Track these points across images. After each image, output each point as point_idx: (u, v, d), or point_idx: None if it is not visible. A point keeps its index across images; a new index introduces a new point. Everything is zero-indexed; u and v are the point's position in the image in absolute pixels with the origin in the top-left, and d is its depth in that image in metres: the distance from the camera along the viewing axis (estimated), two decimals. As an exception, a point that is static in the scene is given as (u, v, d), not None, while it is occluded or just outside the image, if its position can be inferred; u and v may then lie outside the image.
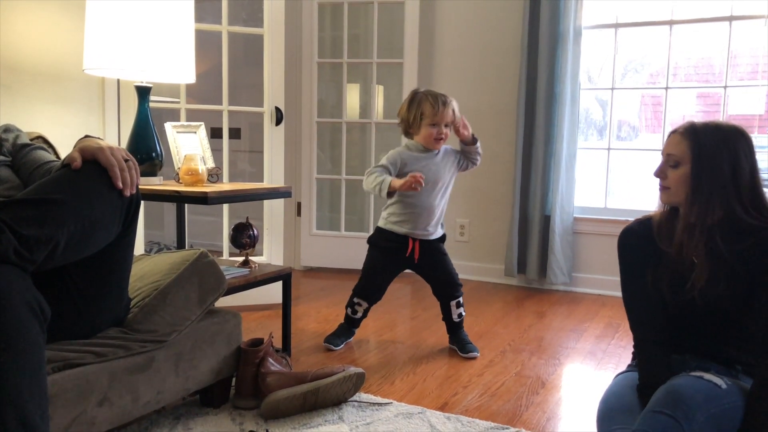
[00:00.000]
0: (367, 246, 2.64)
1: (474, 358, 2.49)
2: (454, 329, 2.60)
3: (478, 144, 2.57)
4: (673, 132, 1.55)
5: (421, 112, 2.44)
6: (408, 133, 2.52)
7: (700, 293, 1.49)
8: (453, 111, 2.45)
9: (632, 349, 1.68)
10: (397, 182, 2.33)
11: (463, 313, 2.60)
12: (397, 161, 2.45)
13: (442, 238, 2.61)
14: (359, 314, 2.62)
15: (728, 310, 1.50)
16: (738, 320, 1.50)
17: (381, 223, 2.58)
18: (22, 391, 1.15)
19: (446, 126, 2.45)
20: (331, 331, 2.65)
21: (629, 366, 1.71)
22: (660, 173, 1.56)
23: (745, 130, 1.50)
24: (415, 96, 2.48)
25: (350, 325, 2.65)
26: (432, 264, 2.57)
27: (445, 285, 2.58)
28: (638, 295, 1.60)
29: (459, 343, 2.55)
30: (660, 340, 1.56)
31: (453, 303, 2.57)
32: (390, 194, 2.41)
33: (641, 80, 4.18)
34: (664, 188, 1.56)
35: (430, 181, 2.46)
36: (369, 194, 4.05)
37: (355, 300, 2.61)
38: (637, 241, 1.60)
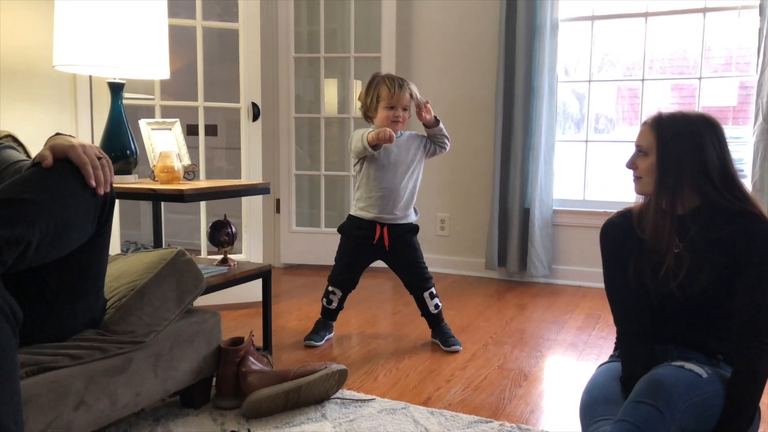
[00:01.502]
0: (341, 236, 2.64)
1: (456, 351, 2.49)
2: (435, 322, 2.59)
3: (441, 125, 2.57)
4: (643, 123, 1.58)
5: (377, 95, 2.46)
6: (367, 117, 2.53)
7: (679, 286, 1.50)
8: (410, 94, 2.46)
9: (614, 340, 1.69)
10: (372, 134, 2.33)
11: (440, 304, 2.59)
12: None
13: (415, 229, 2.59)
14: (334, 304, 2.60)
15: (709, 301, 1.51)
16: (719, 310, 1.51)
17: (351, 210, 2.59)
18: None
19: (404, 109, 2.46)
20: (311, 330, 2.63)
21: (611, 356, 1.72)
22: (631, 164, 1.59)
23: (714, 118, 1.51)
24: (373, 80, 2.50)
25: (327, 317, 2.63)
26: (402, 255, 2.56)
27: (414, 277, 2.57)
28: (621, 287, 1.60)
29: (441, 337, 2.55)
30: (643, 331, 1.57)
31: (426, 294, 2.56)
32: (374, 147, 2.37)
33: (617, 73, 4.21)
34: (636, 178, 1.58)
35: (392, 163, 2.47)
36: (347, 185, 4.03)
37: (330, 289, 2.60)
38: (619, 233, 1.61)
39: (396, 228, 2.52)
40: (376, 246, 2.52)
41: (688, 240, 1.51)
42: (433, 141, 2.59)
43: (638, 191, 1.58)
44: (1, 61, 2.33)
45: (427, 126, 2.56)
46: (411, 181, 2.54)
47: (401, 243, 2.54)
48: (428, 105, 2.52)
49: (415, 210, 2.60)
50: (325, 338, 2.60)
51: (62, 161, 1.35)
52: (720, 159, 1.48)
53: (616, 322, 1.62)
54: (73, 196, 1.34)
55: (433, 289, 2.58)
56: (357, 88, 4.14)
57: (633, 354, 1.56)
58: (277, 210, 4.09)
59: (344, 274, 2.59)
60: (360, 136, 2.40)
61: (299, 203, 4.21)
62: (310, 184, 4.33)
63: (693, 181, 1.48)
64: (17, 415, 1.16)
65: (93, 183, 1.36)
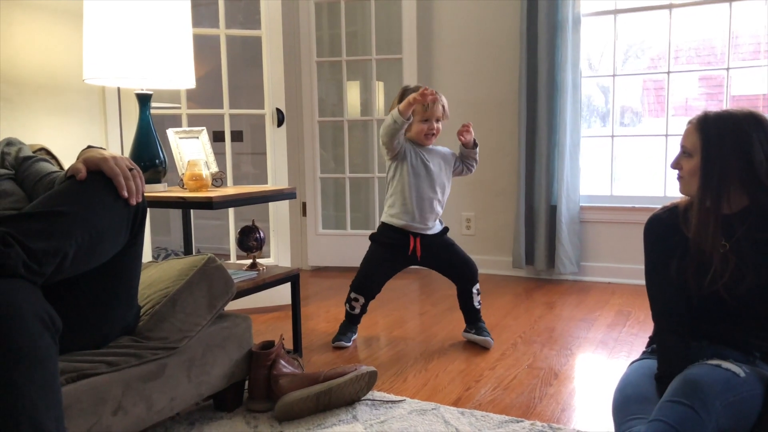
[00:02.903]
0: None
1: (489, 346, 2.50)
2: (475, 318, 2.60)
3: (477, 150, 2.61)
4: (688, 123, 1.55)
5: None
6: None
7: (724, 287, 1.48)
8: (443, 106, 2.49)
9: (645, 337, 1.67)
10: (403, 104, 2.34)
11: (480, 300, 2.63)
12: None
13: (445, 230, 2.62)
14: (357, 310, 2.61)
15: (753, 301, 1.48)
16: (761, 310, 1.49)
17: (383, 217, 2.60)
18: (38, 404, 1.15)
19: (437, 121, 2.48)
20: (336, 332, 2.65)
21: (644, 353, 1.70)
22: (675, 164, 1.57)
23: (763, 116, 1.47)
24: (405, 93, 2.49)
25: (350, 321, 2.65)
26: (442, 257, 2.58)
27: (463, 271, 2.58)
28: (662, 283, 1.58)
29: (477, 330, 2.57)
30: (681, 328, 1.54)
31: (474, 289, 2.58)
32: (406, 120, 2.37)
33: (642, 65, 4.16)
34: (680, 178, 1.56)
35: (428, 173, 2.51)
36: (372, 186, 4.05)
37: (352, 296, 2.61)
38: (664, 229, 1.59)
39: (426, 238, 2.54)
40: (410, 256, 2.54)
41: (734, 241, 1.48)
42: (463, 161, 2.63)
43: (682, 191, 1.57)
44: (34, 77, 2.40)
45: (464, 146, 2.58)
46: (443, 195, 2.57)
47: (435, 245, 2.56)
48: (470, 127, 2.54)
49: (440, 221, 2.62)
50: (352, 338, 2.62)
51: (96, 173, 1.39)
52: None
53: (654, 317, 1.60)
54: (107, 207, 1.38)
55: (478, 284, 2.61)
56: (380, 89, 4.17)
57: (669, 351, 1.53)
58: (304, 213, 4.12)
59: (369, 281, 2.60)
60: (388, 119, 2.40)
61: (325, 206, 4.24)
62: (335, 187, 4.37)
63: (740, 182, 1.46)
64: (59, 421, 1.20)
65: (125, 194, 1.39)
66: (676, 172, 1.59)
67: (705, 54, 4.08)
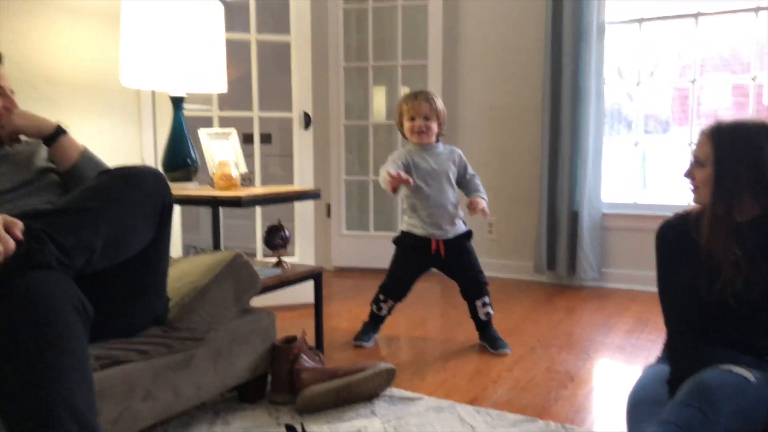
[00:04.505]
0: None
1: (504, 354, 2.52)
2: (483, 327, 2.63)
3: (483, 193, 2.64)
4: (701, 133, 1.56)
5: (400, 110, 2.58)
6: (402, 134, 2.64)
7: (735, 294, 1.49)
8: (430, 103, 2.51)
9: (662, 343, 1.70)
10: (384, 184, 2.43)
11: (491, 312, 2.61)
12: (403, 157, 2.54)
13: (468, 235, 2.63)
14: (384, 311, 2.66)
15: (765, 307, 1.49)
16: None
17: (403, 226, 2.66)
18: (72, 388, 1.21)
19: (426, 118, 2.51)
20: (359, 331, 2.70)
21: (659, 358, 1.71)
22: (688, 174, 1.59)
23: None
24: (400, 106, 2.60)
25: (374, 322, 2.69)
26: (458, 262, 2.60)
27: (470, 284, 2.61)
28: (673, 289, 1.60)
29: (489, 341, 2.58)
30: (692, 333, 1.56)
31: (478, 302, 2.59)
32: (395, 190, 2.43)
33: (670, 74, 4.15)
34: (693, 188, 1.58)
35: (435, 177, 2.54)
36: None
37: (381, 297, 2.65)
38: (676, 235, 1.60)
39: (450, 241, 2.57)
40: (434, 256, 2.57)
41: (746, 249, 1.50)
42: (462, 183, 2.64)
43: (695, 201, 1.58)
44: (73, 77, 2.51)
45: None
46: (454, 195, 2.58)
47: (457, 248, 2.59)
48: (477, 207, 2.51)
49: (463, 221, 2.63)
50: (373, 338, 2.68)
51: (122, 173, 1.47)
52: None
53: (666, 322, 1.63)
54: (133, 203, 1.46)
55: (486, 298, 2.59)
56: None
57: (681, 355, 1.56)
58: (328, 214, 4.20)
59: (398, 285, 2.65)
60: (381, 178, 2.48)
61: (349, 207, 4.31)
62: (359, 189, 4.43)
63: (752, 192, 1.47)
64: (92, 405, 1.26)
65: None
66: (689, 181, 1.61)
67: (732, 63, 4.06)
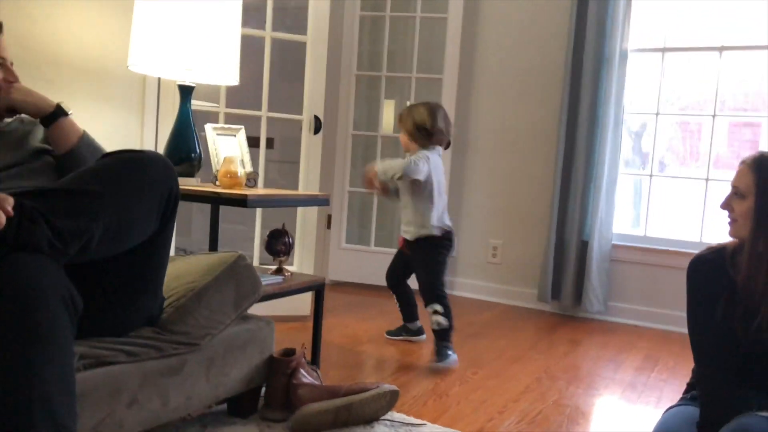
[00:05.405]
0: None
1: (447, 370, 2.49)
2: (434, 336, 2.59)
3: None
4: (741, 163, 1.48)
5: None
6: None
7: None
8: (400, 118, 2.69)
9: (676, 384, 1.59)
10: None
11: (443, 323, 2.55)
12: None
13: (431, 240, 2.63)
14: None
15: None
16: None
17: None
18: (51, 384, 1.09)
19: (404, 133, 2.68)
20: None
21: (682, 399, 1.62)
22: (726, 205, 1.49)
23: None
24: (428, 119, 2.68)
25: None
26: (415, 263, 2.73)
27: (421, 288, 2.64)
28: (705, 326, 1.49)
29: (437, 350, 2.55)
30: (726, 375, 1.45)
31: (428, 309, 2.59)
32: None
33: (681, 107, 4.08)
34: (731, 221, 1.48)
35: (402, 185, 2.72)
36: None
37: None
38: (710, 270, 1.50)
39: (410, 242, 2.70)
40: (406, 253, 2.76)
41: None
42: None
43: (732, 234, 1.49)
44: (77, 60, 2.39)
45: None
46: (418, 198, 2.63)
47: (414, 253, 2.70)
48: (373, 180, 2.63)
49: (443, 228, 2.64)
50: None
51: (128, 157, 1.34)
52: None
53: (697, 362, 1.52)
54: (139, 191, 1.32)
55: (435, 306, 2.56)
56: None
57: (713, 399, 1.45)
58: (328, 225, 4.07)
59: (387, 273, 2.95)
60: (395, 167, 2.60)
61: (349, 220, 4.18)
62: (361, 202, 4.31)
63: None
64: (71, 406, 1.13)
65: None
66: (726, 213, 1.51)
67: (746, 100, 3.99)
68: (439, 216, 2.63)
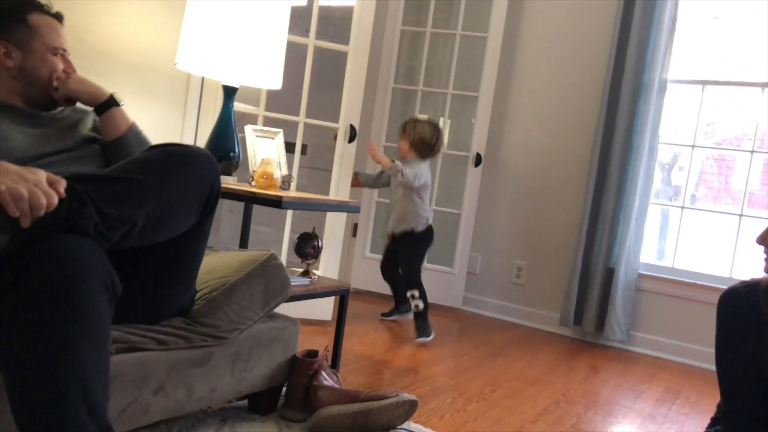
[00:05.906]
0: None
1: (423, 343, 3.01)
2: (414, 318, 3.11)
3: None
4: None
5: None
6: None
7: None
8: (404, 128, 3.26)
9: (698, 418, 1.57)
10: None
11: (420, 306, 3.07)
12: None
13: (413, 234, 3.23)
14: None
15: None
16: None
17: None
18: (89, 370, 1.12)
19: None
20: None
21: (706, 432, 1.59)
22: (762, 240, 1.45)
23: None
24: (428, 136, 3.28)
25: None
26: (399, 254, 3.28)
27: (402, 278, 3.26)
28: (734, 362, 1.47)
29: (416, 328, 3.07)
30: (754, 413, 1.43)
31: (408, 294, 3.11)
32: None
33: (717, 141, 4.05)
34: (767, 256, 1.46)
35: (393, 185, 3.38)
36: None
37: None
38: (741, 305, 1.47)
39: (395, 236, 3.32)
40: (392, 244, 3.36)
41: None
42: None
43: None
44: (127, 54, 2.46)
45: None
46: (408, 198, 3.22)
47: (399, 242, 3.28)
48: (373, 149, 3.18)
49: (427, 226, 3.26)
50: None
51: (174, 150, 1.38)
52: None
53: (723, 398, 1.49)
54: (182, 183, 1.36)
55: (414, 292, 3.08)
56: (446, 126, 4.14)
57: None
58: (354, 234, 4.09)
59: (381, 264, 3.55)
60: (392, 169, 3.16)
61: (375, 230, 4.20)
62: (387, 214, 4.32)
63: None
64: (105, 387, 1.16)
65: (15, 213, 1.08)
66: (762, 248, 1.48)
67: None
68: (426, 214, 3.22)
